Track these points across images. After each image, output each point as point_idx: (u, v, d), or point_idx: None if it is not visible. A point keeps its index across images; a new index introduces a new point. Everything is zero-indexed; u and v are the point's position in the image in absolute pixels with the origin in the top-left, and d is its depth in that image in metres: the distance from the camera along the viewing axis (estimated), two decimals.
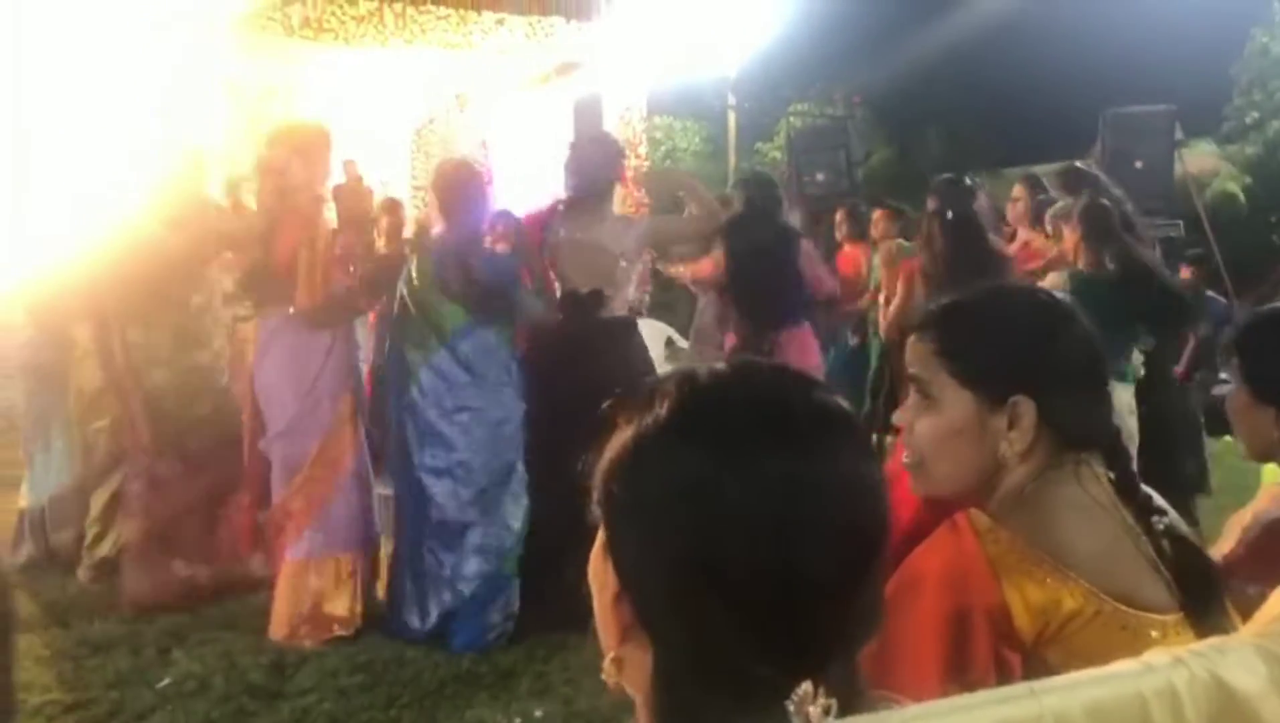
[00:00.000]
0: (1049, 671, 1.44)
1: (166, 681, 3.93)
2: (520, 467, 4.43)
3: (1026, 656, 1.44)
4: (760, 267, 5.29)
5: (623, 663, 0.85)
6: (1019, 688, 0.80)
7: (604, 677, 0.87)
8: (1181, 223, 7.93)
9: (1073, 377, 1.55)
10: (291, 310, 4.35)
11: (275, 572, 4.43)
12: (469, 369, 4.38)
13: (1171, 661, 0.85)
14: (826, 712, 0.78)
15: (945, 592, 1.44)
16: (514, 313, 4.48)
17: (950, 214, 4.85)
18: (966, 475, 1.59)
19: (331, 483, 4.38)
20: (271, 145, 4.51)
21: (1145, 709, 0.81)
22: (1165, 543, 1.48)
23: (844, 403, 0.87)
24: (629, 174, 9.95)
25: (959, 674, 1.41)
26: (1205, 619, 1.45)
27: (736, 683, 0.79)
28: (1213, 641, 0.90)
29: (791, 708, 0.78)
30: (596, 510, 0.89)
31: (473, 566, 4.33)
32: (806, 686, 0.78)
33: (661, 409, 0.85)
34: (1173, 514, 1.53)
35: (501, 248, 4.61)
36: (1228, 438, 7.25)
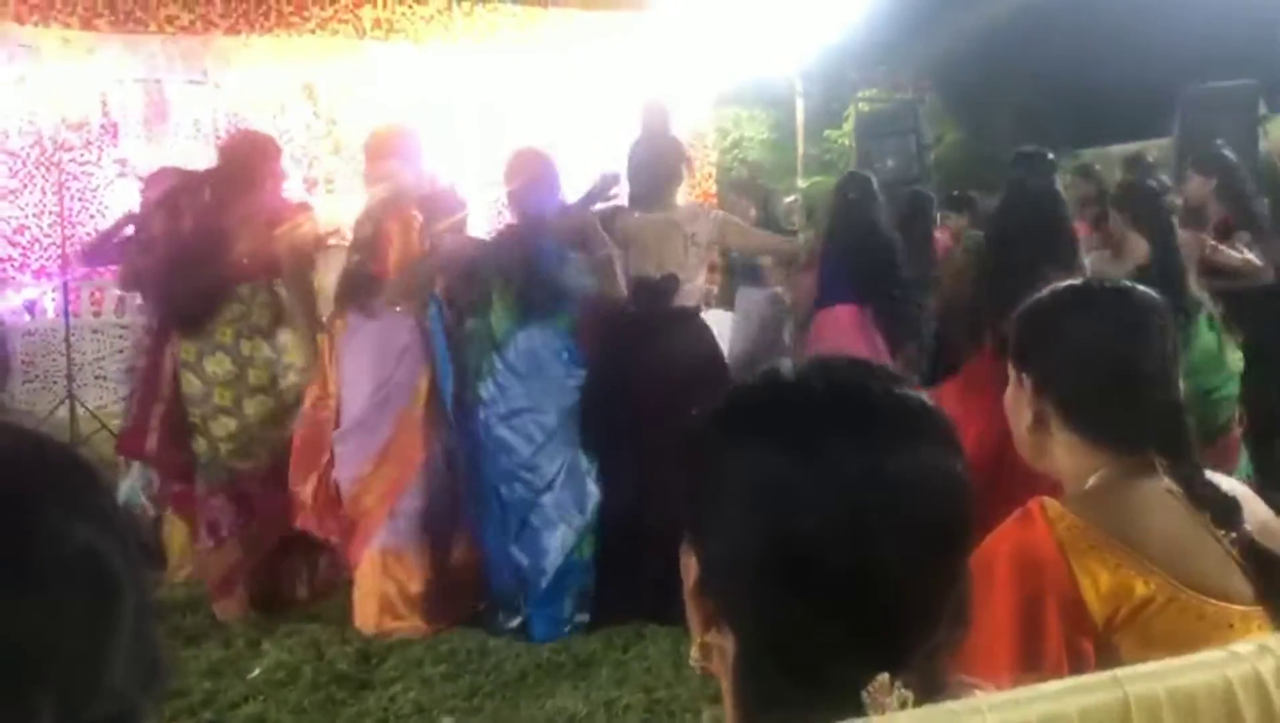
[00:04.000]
0: (1121, 657, 1.45)
1: (257, 671, 4.04)
2: (583, 457, 4.47)
3: (1099, 642, 1.45)
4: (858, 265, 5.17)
5: (709, 649, 0.88)
6: (1103, 676, 0.81)
7: (692, 662, 0.89)
8: (1267, 201, 7.70)
9: (1082, 371, 1.58)
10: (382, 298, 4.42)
11: (352, 564, 4.49)
12: (527, 370, 4.42)
13: (1257, 649, 0.85)
14: (903, 704, 0.79)
15: (1017, 582, 1.46)
16: (573, 303, 4.51)
17: (1033, 184, 4.74)
18: (1023, 450, 1.64)
19: (406, 478, 4.43)
20: (378, 155, 4.56)
21: (1231, 698, 0.81)
22: (1234, 538, 1.47)
23: (927, 398, 0.87)
24: (696, 165, 9.96)
25: (1032, 663, 1.43)
26: None
27: (814, 673, 0.81)
28: None
29: (867, 700, 0.79)
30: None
31: (545, 558, 4.38)
32: (883, 677, 0.80)
33: (744, 403, 0.88)
34: (1247, 504, 1.51)
35: (563, 237, 4.62)
36: None
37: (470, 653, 4.15)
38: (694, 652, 0.88)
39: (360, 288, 4.47)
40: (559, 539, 4.40)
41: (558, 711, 3.68)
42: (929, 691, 0.82)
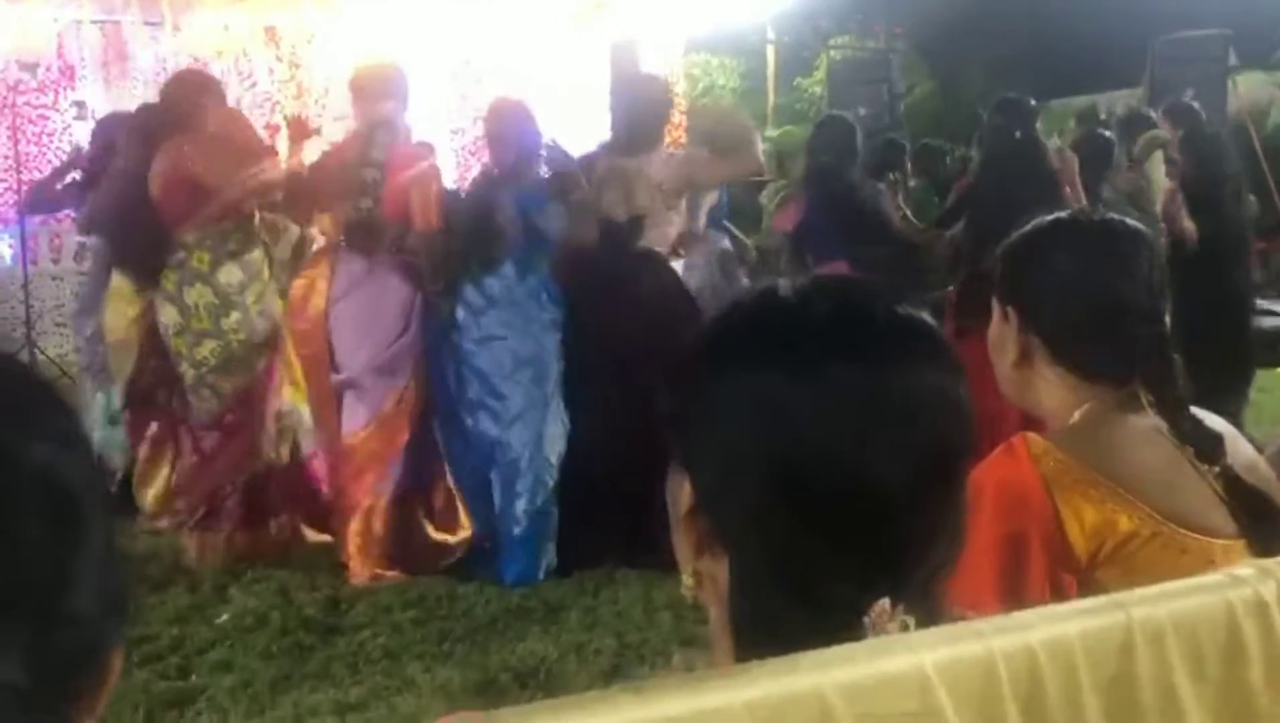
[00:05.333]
0: (1105, 592, 1.44)
1: (224, 617, 4.01)
2: (557, 399, 4.46)
3: (1082, 577, 1.44)
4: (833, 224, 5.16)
5: (701, 577, 0.85)
6: (1105, 600, 0.80)
7: (683, 590, 0.86)
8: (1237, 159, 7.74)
9: (1066, 302, 1.55)
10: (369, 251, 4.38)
11: (348, 511, 4.44)
12: (503, 306, 4.41)
13: (1258, 572, 0.84)
14: (904, 628, 0.78)
15: (1001, 517, 1.45)
16: (549, 244, 4.49)
17: (1018, 134, 4.72)
18: (1006, 387, 1.62)
19: (409, 423, 4.44)
20: (375, 95, 4.48)
21: (1233, 620, 0.80)
22: (1217, 470, 1.47)
23: (928, 317, 0.85)
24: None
25: (1015, 596, 1.42)
26: (1269, 546, 1.43)
27: (813, 596, 0.79)
28: None
29: (869, 624, 0.77)
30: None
31: (517, 500, 4.38)
32: (884, 602, 0.78)
33: (740, 321, 0.84)
34: (1232, 441, 1.51)
35: (541, 178, 4.59)
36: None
37: (440, 599, 4.13)
38: (685, 579, 0.85)
39: (369, 236, 4.39)
40: (529, 484, 4.39)
41: (528, 654, 3.68)
42: (929, 616, 0.80)
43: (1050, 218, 1.65)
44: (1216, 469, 1.47)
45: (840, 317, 0.82)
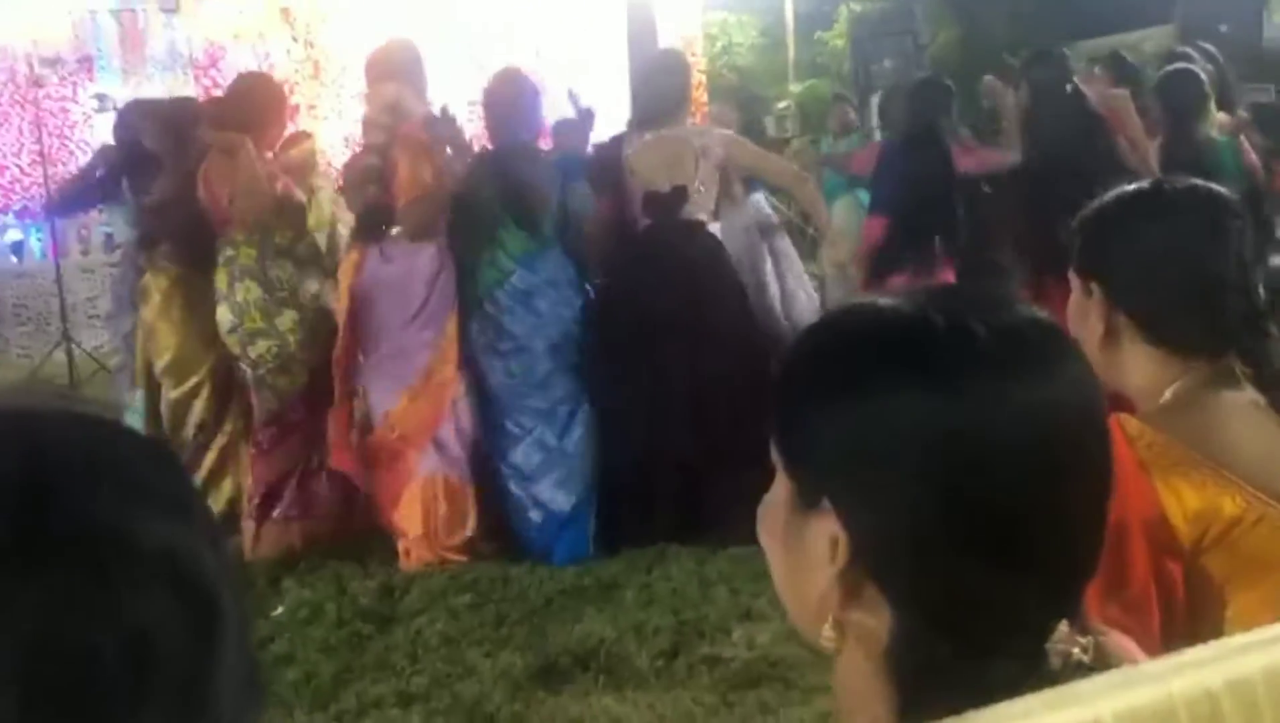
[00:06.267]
0: (1211, 579, 1.40)
1: (280, 609, 4.02)
2: (579, 382, 4.45)
3: (1188, 564, 1.40)
4: (920, 195, 4.92)
5: (844, 627, 0.79)
6: (1273, 631, 0.75)
7: (824, 642, 0.81)
8: (1274, 88, 7.57)
9: (1155, 276, 1.49)
10: (396, 227, 4.35)
11: (386, 497, 4.43)
12: (531, 288, 4.38)
13: None
14: (1084, 651, 0.76)
15: None
16: (571, 222, 4.47)
17: (1068, 87, 4.59)
18: (1095, 366, 1.56)
19: (442, 404, 4.39)
20: (377, 77, 4.44)
21: None
22: None
23: (1059, 325, 0.82)
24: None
25: (1118, 589, 1.37)
26: None
27: (993, 632, 0.75)
28: None
29: (1051, 651, 0.75)
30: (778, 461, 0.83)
31: (553, 479, 4.38)
32: (1064, 626, 0.76)
33: (895, 357, 0.77)
34: None
35: (550, 153, 4.58)
36: None
37: (493, 582, 4.12)
38: (825, 630, 0.79)
39: (377, 222, 4.37)
40: (566, 462, 4.39)
41: (586, 636, 3.65)
42: (1076, 625, 0.78)
43: (1132, 187, 1.59)
44: None
45: (1004, 341, 0.76)
